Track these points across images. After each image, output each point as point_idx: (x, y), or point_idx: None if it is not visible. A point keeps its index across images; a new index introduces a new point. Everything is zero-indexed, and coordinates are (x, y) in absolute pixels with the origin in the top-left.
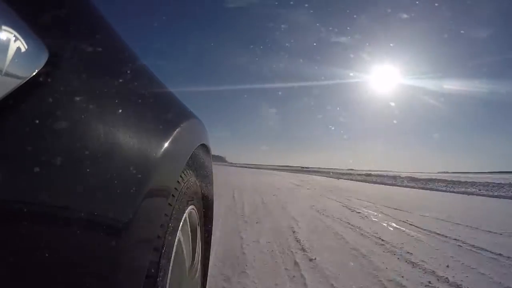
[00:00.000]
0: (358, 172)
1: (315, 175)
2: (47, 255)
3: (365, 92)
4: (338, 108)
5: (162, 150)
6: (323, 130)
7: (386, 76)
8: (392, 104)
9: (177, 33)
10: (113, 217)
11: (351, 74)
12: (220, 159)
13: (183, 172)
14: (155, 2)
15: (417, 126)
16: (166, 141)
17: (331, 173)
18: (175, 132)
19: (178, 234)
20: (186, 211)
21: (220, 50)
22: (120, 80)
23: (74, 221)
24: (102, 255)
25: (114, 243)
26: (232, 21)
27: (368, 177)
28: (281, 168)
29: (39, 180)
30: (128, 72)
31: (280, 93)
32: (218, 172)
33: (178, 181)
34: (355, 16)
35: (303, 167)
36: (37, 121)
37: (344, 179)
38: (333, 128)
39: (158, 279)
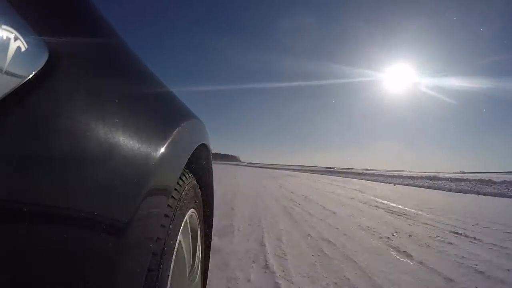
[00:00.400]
0: (380, 173)
1: (350, 177)
2: (46, 255)
3: (378, 91)
4: (351, 107)
5: (162, 150)
6: (337, 129)
7: (400, 75)
8: (405, 103)
9: (192, 30)
10: (112, 218)
11: (365, 72)
12: (233, 158)
13: (183, 172)
14: (155, 1)
15: (429, 125)
16: (166, 141)
17: (363, 174)
18: (175, 132)
19: (177, 236)
20: (186, 212)
21: (237, 49)
22: (120, 80)
23: (74, 222)
24: (101, 256)
25: (113, 244)
26: (248, 20)
27: (415, 180)
28: (302, 168)
29: (39, 180)
30: (128, 71)
31: (293, 92)
32: (231, 181)
33: (178, 182)
34: (369, 16)
35: (328, 168)
36: (37, 121)
37: (388, 182)
38: (347, 127)
39: (157, 282)
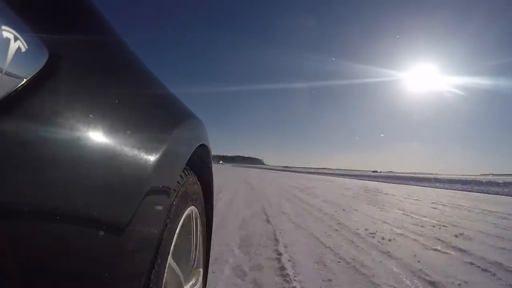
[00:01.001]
0: (425, 176)
1: (433, 186)
2: (46, 254)
3: (400, 91)
4: (372, 108)
5: (162, 150)
6: (358, 130)
7: (424, 74)
8: (428, 103)
9: (218, 28)
10: (113, 216)
11: (387, 72)
12: (256, 161)
13: (183, 172)
14: (156, 1)
15: (452, 125)
16: (166, 141)
17: (433, 180)
18: (175, 132)
19: (177, 234)
20: (186, 212)
21: (261, 49)
22: (120, 80)
23: (74, 220)
24: (101, 255)
25: (113, 242)
26: (268, 19)
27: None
28: (341, 173)
29: (39, 179)
30: (129, 72)
31: (314, 92)
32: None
33: (178, 181)
34: (391, 14)
35: (375, 171)
36: (38, 121)
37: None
38: (369, 128)
39: (156, 279)
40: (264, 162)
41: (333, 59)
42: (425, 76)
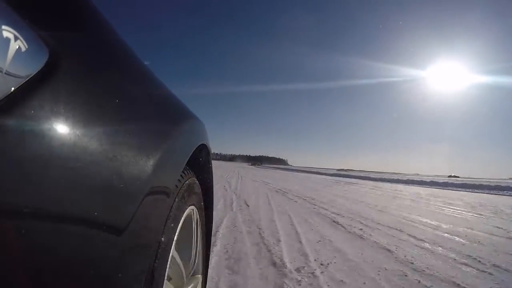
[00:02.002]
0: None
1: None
2: (46, 254)
3: (426, 91)
4: (398, 108)
5: (162, 150)
6: (379, 131)
7: (450, 73)
8: (456, 103)
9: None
10: (112, 217)
11: (411, 71)
12: (280, 162)
13: (183, 172)
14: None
15: (482, 126)
16: (166, 141)
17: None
18: (175, 132)
19: (177, 234)
20: (186, 212)
21: (279, 49)
22: (121, 80)
23: (73, 221)
24: (100, 255)
25: (112, 243)
26: (287, 18)
27: None
28: (364, 175)
29: (39, 180)
30: (129, 71)
31: (337, 92)
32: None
33: (178, 181)
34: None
35: (454, 175)
36: (38, 121)
37: None
38: (388, 129)
39: (156, 280)
40: (289, 162)
41: (362, 59)
42: (451, 75)
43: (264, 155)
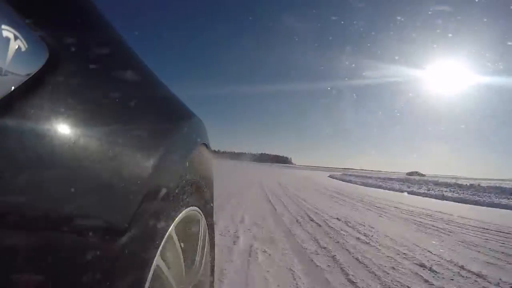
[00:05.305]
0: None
1: None
2: (46, 254)
3: (427, 91)
4: (400, 106)
5: (162, 149)
6: (384, 130)
7: (449, 73)
8: (455, 102)
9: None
10: (112, 217)
11: (414, 70)
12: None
13: (183, 172)
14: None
15: (481, 125)
16: (166, 140)
17: None
18: (176, 131)
19: (177, 234)
20: (187, 212)
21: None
22: (121, 80)
23: (73, 221)
24: (99, 255)
25: (112, 243)
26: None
27: None
28: (373, 175)
29: (39, 180)
30: (129, 71)
31: (335, 91)
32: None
33: (178, 181)
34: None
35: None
36: (38, 120)
37: None
38: (395, 128)
39: (155, 280)
40: (293, 161)
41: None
42: (453, 75)
43: (266, 153)
